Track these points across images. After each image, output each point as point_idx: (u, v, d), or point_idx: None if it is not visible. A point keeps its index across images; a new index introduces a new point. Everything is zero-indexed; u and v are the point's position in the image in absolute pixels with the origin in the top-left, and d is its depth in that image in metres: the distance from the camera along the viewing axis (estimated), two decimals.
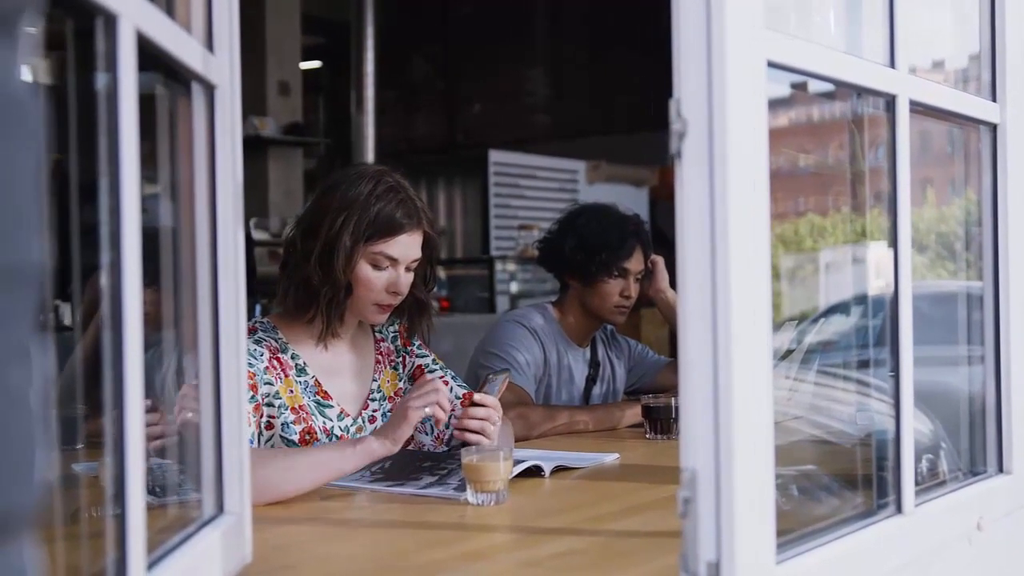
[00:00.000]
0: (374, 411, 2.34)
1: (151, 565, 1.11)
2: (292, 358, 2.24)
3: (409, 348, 2.45)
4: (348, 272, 2.19)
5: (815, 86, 1.58)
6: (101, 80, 1.04)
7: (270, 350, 2.21)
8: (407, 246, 2.23)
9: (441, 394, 2.04)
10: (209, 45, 1.37)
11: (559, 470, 2.21)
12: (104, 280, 1.03)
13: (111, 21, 1.01)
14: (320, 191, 2.28)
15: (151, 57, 1.13)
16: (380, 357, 2.40)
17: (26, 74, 0.61)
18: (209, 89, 1.37)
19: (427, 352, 2.47)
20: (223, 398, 1.40)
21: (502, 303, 7.45)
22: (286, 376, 2.21)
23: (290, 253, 2.25)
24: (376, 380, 2.37)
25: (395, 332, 2.45)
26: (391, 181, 2.23)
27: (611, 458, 2.39)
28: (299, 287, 2.22)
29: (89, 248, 1.07)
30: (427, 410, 2.00)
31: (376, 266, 2.21)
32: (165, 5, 1.25)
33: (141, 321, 1.04)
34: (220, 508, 1.39)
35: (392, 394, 2.38)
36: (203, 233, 1.38)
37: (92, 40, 1.03)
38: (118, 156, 1.02)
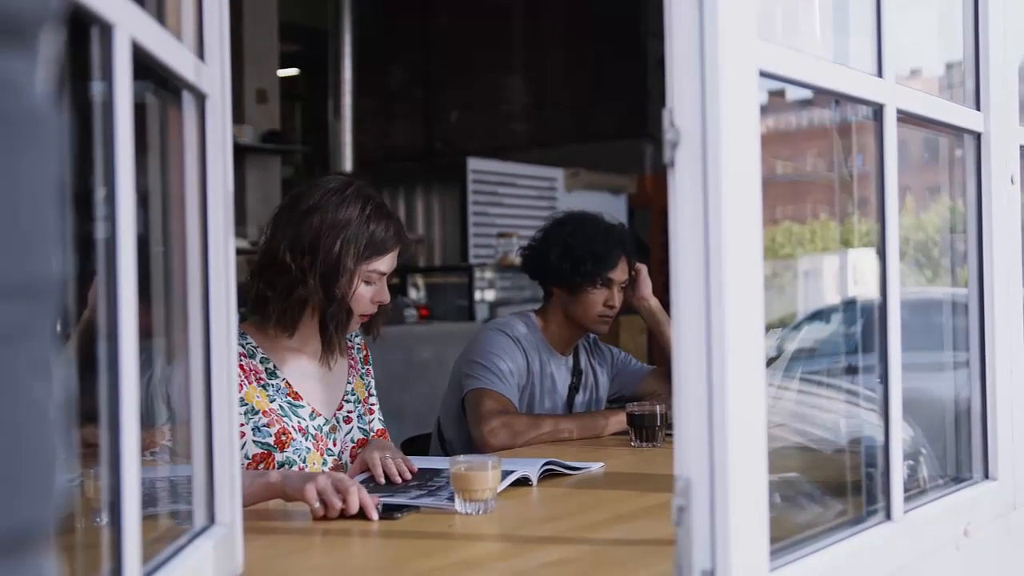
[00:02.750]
0: (349, 412, 2.42)
1: None
2: (262, 362, 2.30)
3: (367, 367, 2.55)
4: (351, 294, 2.28)
5: (792, 94, 1.59)
6: (95, 88, 1.03)
7: None
8: (393, 259, 2.35)
9: (347, 499, 1.87)
10: (200, 54, 1.36)
11: (548, 476, 2.22)
12: (100, 290, 1.02)
13: (107, 30, 1.00)
14: (301, 210, 2.28)
15: (143, 66, 1.13)
16: (352, 362, 2.49)
17: (46, 86, 0.61)
18: (200, 98, 1.36)
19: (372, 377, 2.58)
20: (214, 409, 1.39)
21: (481, 311, 7.44)
22: (250, 383, 2.26)
23: (277, 270, 2.26)
24: (350, 383, 2.45)
25: (359, 344, 2.54)
26: (376, 199, 2.34)
27: (597, 467, 2.39)
28: (297, 306, 2.27)
29: (82, 257, 1.06)
30: (316, 505, 1.85)
31: (368, 282, 2.31)
32: (156, 13, 1.25)
33: (136, 331, 1.04)
34: (211, 519, 1.39)
35: (363, 400, 2.48)
36: (194, 242, 1.37)
37: (85, 48, 1.03)
38: (114, 164, 1.02)
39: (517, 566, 1.58)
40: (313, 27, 8.82)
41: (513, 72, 10.11)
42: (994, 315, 1.87)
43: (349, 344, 2.50)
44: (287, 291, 2.26)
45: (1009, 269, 1.90)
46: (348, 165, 8.54)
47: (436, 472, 2.21)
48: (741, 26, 1.21)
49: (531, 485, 2.15)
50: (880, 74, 1.55)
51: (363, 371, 2.52)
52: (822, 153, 1.99)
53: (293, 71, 10.09)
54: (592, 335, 3.23)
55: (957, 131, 1.87)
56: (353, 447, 2.39)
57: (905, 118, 1.63)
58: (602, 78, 9.50)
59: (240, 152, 7.40)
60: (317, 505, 1.85)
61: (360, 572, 1.61)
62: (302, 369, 2.36)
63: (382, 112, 10.38)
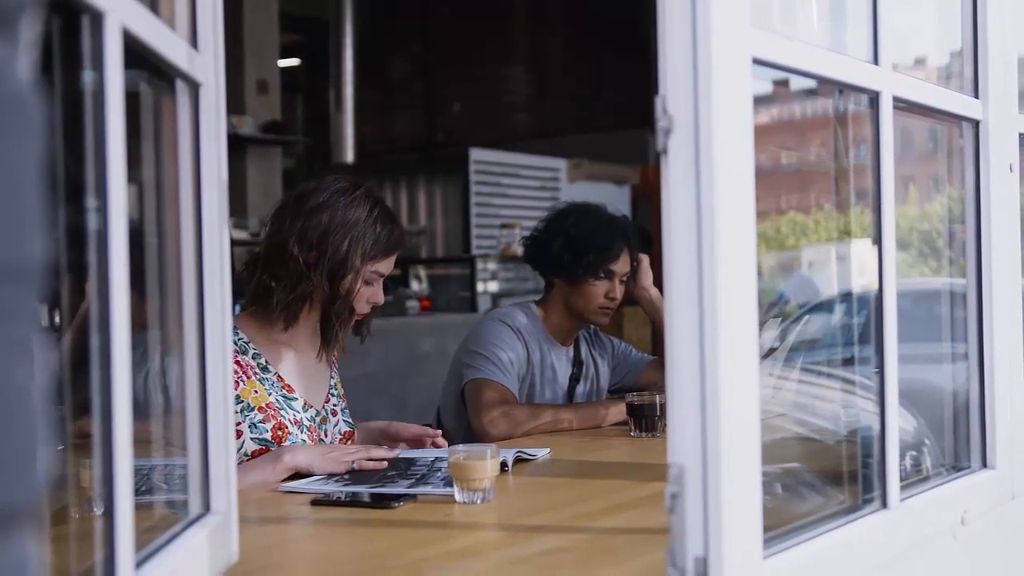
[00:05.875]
0: (334, 405, 2.48)
1: (139, 564, 1.11)
2: (253, 358, 2.33)
3: (337, 368, 2.59)
4: (355, 291, 2.32)
5: (796, 83, 1.59)
6: (87, 77, 1.03)
7: None
8: (392, 263, 2.41)
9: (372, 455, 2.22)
10: (194, 43, 1.36)
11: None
12: (91, 281, 1.02)
13: (97, 19, 1.00)
14: (309, 207, 2.32)
15: (135, 55, 1.13)
16: (334, 359, 2.53)
17: (27, 71, 0.61)
18: (194, 87, 1.36)
19: None
20: (209, 398, 1.39)
21: (484, 302, 7.44)
22: (248, 378, 2.29)
23: (283, 262, 2.29)
24: (333, 379, 2.51)
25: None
26: (383, 203, 2.40)
27: (544, 452, 2.42)
28: (300, 300, 2.31)
29: (69, 248, 1.06)
30: (354, 465, 2.16)
31: (368, 282, 2.36)
32: (149, 2, 1.25)
33: (128, 321, 1.04)
34: (207, 507, 1.39)
35: (342, 394, 2.54)
36: (188, 233, 1.37)
37: (77, 37, 1.02)
38: (105, 154, 1.02)
39: (513, 555, 1.59)
40: (314, 17, 8.81)
41: (515, 62, 10.11)
42: (993, 304, 1.87)
43: None
44: (292, 284, 2.29)
45: (1008, 258, 1.90)
46: (349, 156, 8.55)
47: (412, 461, 2.23)
48: (734, 13, 1.21)
49: (507, 472, 2.16)
50: (876, 61, 1.55)
51: (337, 370, 2.58)
52: (826, 143, 1.98)
53: (294, 61, 10.09)
54: (593, 326, 3.23)
55: (955, 119, 1.87)
56: (341, 439, 2.45)
57: (902, 106, 1.62)
58: (604, 68, 9.50)
59: (241, 143, 7.40)
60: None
61: (357, 560, 1.61)
62: (291, 363, 2.40)
63: (384, 103, 10.38)
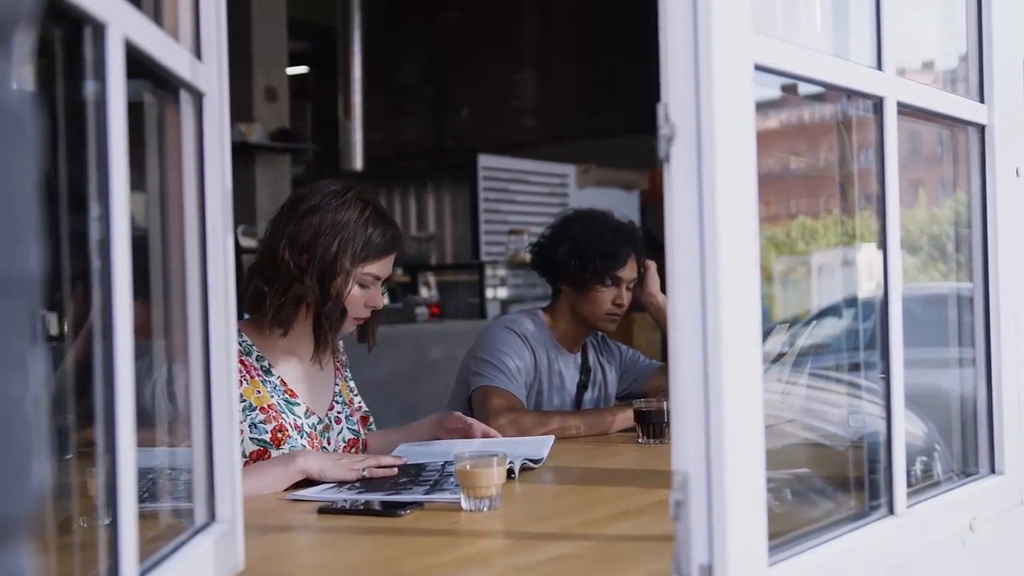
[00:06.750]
0: (338, 413, 2.48)
1: (143, 573, 1.11)
2: (257, 360, 2.34)
3: (347, 372, 2.59)
4: (346, 293, 2.32)
5: (804, 88, 1.59)
6: (89, 88, 1.04)
7: None
8: (388, 265, 2.40)
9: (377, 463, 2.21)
10: (197, 53, 1.37)
11: (525, 469, 2.23)
12: (94, 290, 1.02)
13: (99, 29, 1.01)
14: (301, 210, 2.33)
15: (139, 65, 1.13)
16: (339, 366, 2.54)
17: (21, 84, 0.61)
18: (197, 97, 1.36)
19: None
20: (214, 407, 1.40)
21: (492, 309, 7.44)
22: (252, 378, 2.30)
23: (275, 266, 2.31)
24: (337, 385, 2.51)
25: (342, 350, 2.60)
26: (375, 205, 2.39)
27: (548, 441, 2.45)
28: (292, 303, 2.31)
29: (77, 257, 1.07)
30: (365, 473, 2.15)
31: (362, 285, 2.36)
32: (153, 13, 1.25)
33: (131, 330, 1.04)
34: (212, 516, 1.39)
35: (348, 401, 2.53)
36: (192, 241, 1.37)
37: (80, 47, 1.03)
38: (107, 164, 1.02)
39: (519, 562, 1.58)
40: (322, 24, 8.82)
41: (523, 68, 10.09)
42: (999, 309, 1.86)
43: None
44: (284, 288, 2.30)
45: (1015, 262, 1.89)
46: (358, 163, 8.55)
47: (422, 467, 2.22)
48: (735, 20, 1.21)
49: (514, 479, 2.15)
50: (880, 67, 1.55)
51: (346, 375, 2.58)
52: (835, 148, 1.98)
53: (302, 69, 10.09)
54: (600, 332, 3.23)
55: (961, 124, 1.86)
56: (344, 447, 2.45)
57: (906, 111, 1.62)
58: (612, 73, 9.48)
59: (249, 151, 7.40)
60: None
61: (363, 569, 1.61)
62: (294, 369, 2.40)
63: (392, 109, 10.37)
